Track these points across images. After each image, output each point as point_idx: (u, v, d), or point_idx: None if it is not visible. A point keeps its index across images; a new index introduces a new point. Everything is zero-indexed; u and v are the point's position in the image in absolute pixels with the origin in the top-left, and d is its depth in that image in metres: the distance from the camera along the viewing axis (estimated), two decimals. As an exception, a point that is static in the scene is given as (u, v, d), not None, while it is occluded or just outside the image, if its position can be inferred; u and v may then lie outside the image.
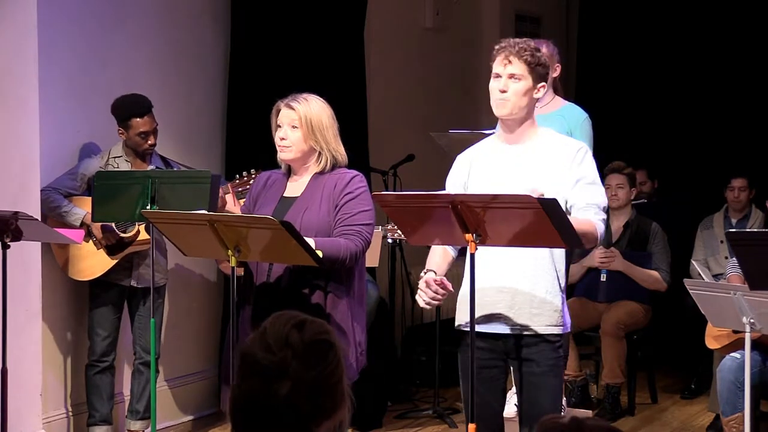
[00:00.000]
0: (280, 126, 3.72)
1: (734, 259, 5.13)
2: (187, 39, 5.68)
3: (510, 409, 4.45)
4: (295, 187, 3.76)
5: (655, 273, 5.96)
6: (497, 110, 3.44)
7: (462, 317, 3.52)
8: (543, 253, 3.42)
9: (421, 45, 7.34)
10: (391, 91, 7.01)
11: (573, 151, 3.45)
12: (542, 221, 3.06)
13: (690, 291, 4.33)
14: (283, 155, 3.73)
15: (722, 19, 7.79)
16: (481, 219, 3.12)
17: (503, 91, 3.39)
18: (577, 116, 4.66)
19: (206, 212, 3.58)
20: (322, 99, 3.78)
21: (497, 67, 3.42)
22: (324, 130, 3.70)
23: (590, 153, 3.50)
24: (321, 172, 3.71)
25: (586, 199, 3.40)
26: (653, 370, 6.29)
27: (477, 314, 3.35)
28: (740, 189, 6.54)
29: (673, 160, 7.76)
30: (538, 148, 3.45)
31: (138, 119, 4.90)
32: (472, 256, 3.23)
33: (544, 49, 4.74)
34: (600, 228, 3.38)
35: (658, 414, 6.05)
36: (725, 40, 7.78)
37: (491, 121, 5.16)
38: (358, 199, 3.66)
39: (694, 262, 6.26)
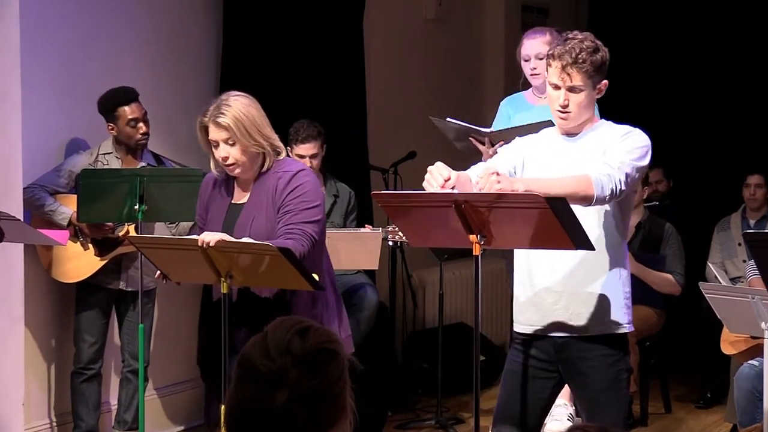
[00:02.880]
0: (215, 145, 3.69)
1: (753, 261, 5.13)
2: (177, 30, 5.68)
3: (554, 426, 4.41)
4: (242, 192, 3.78)
5: (668, 276, 5.95)
6: (559, 124, 3.43)
7: (521, 320, 3.52)
8: (598, 242, 3.33)
9: (423, 37, 7.34)
10: (391, 85, 7.00)
11: (621, 132, 3.41)
12: (550, 221, 3.05)
13: (705, 295, 4.32)
14: (235, 174, 3.73)
15: (737, 12, 7.78)
16: (486, 219, 3.12)
17: (564, 107, 3.36)
18: None
19: (197, 237, 3.56)
20: (241, 94, 3.73)
21: (554, 77, 3.36)
22: (260, 126, 3.68)
23: (641, 136, 3.40)
24: (264, 171, 3.72)
25: (606, 157, 3.31)
26: (667, 378, 6.28)
27: (532, 316, 3.44)
28: (756, 186, 6.53)
29: (685, 157, 7.74)
30: (589, 138, 3.43)
31: (125, 107, 4.89)
32: (477, 258, 3.23)
33: (548, 36, 4.76)
34: (601, 182, 3.19)
35: (673, 424, 6.04)
36: (739, 32, 7.77)
37: (495, 116, 5.18)
38: (302, 197, 3.64)
39: (710, 265, 6.25)
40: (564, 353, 3.45)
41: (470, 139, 4.65)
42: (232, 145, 3.66)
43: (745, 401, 4.88)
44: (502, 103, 5.05)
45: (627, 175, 3.26)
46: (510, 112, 4.91)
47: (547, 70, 3.41)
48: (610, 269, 3.43)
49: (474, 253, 3.21)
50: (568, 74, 3.32)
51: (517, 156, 3.49)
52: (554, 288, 3.42)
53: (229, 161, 3.68)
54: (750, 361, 4.95)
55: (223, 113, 3.65)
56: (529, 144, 3.54)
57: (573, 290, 3.41)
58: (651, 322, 5.95)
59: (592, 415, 3.45)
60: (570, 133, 3.45)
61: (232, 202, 3.78)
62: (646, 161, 3.37)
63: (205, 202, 3.87)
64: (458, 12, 7.60)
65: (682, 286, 5.96)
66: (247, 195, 3.74)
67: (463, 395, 6.20)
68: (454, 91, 7.53)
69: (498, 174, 3.11)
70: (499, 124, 4.98)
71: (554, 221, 3.04)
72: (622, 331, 3.45)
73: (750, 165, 6.67)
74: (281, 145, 3.77)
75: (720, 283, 5.50)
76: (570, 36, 3.37)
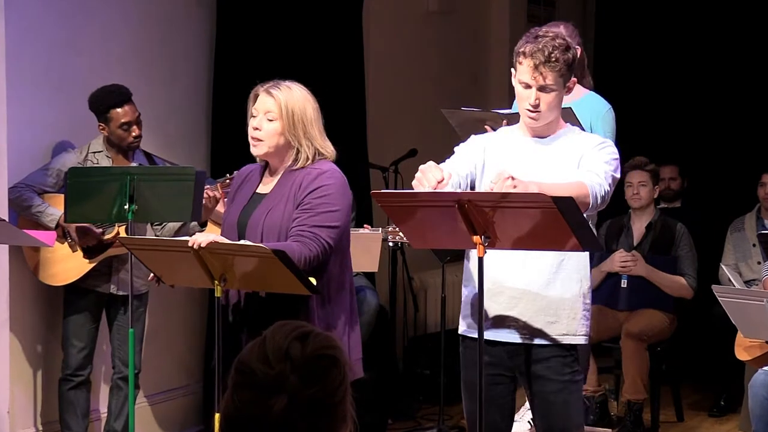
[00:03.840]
0: (255, 115, 3.69)
1: (768, 263, 5.14)
2: (169, 25, 5.68)
3: (523, 427, 4.46)
4: (268, 183, 3.75)
5: (680, 279, 5.96)
6: (528, 122, 3.46)
7: (465, 323, 3.54)
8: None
9: (425, 29, 7.34)
10: (391, 80, 7.01)
11: (594, 143, 3.48)
12: (557, 222, 3.06)
13: (719, 298, 4.33)
14: (254, 150, 3.69)
15: (753, 6, 7.77)
16: (491, 219, 3.13)
17: (535, 106, 3.39)
18: (599, 107, 4.69)
19: (189, 238, 3.56)
20: (305, 88, 3.73)
21: (525, 75, 3.38)
22: (308, 124, 3.64)
23: (613, 148, 3.49)
24: (296, 168, 3.67)
25: (587, 165, 3.39)
26: (679, 384, 6.29)
27: (485, 319, 3.39)
28: (773, 185, 6.54)
29: (698, 155, 7.74)
30: (561, 143, 3.47)
31: (118, 110, 4.90)
32: (480, 260, 3.23)
33: (562, 29, 4.76)
34: (594, 190, 3.30)
35: (684, 433, 6.06)
36: (754, 28, 7.76)
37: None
38: (325, 198, 3.58)
39: (723, 267, 6.26)
40: (517, 359, 3.49)
41: (486, 128, 4.65)
42: (271, 121, 3.64)
43: (759, 409, 4.88)
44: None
45: (609, 186, 3.37)
46: None
47: (515, 68, 3.43)
48: (573, 278, 3.47)
49: (478, 255, 3.22)
50: (541, 73, 3.36)
51: (477, 156, 3.51)
52: (512, 293, 3.45)
53: (258, 134, 3.64)
54: (765, 368, 4.96)
55: (279, 89, 3.65)
56: (490, 144, 3.55)
57: (532, 297, 3.44)
58: (662, 326, 5.96)
59: (551, 418, 3.49)
60: (539, 135, 3.49)
61: (256, 191, 3.76)
62: (619, 174, 3.48)
63: (233, 193, 3.85)
64: (462, 4, 7.60)
65: (694, 289, 5.97)
66: (272, 186, 3.71)
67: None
68: (457, 86, 7.54)
69: (513, 178, 3.11)
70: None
71: (561, 221, 3.06)
72: (577, 342, 3.49)
73: (765, 163, 6.67)
74: (330, 153, 3.70)
75: (734, 285, 5.51)
76: (540, 33, 3.40)
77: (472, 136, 3.63)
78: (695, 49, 8.01)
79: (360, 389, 3.77)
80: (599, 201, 3.33)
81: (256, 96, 3.69)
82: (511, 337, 3.47)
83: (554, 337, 3.45)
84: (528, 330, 3.45)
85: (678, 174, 7.21)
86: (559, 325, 3.45)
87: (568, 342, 3.47)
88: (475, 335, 3.46)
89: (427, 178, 3.18)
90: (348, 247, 3.75)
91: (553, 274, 3.44)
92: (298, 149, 3.65)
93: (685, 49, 8.06)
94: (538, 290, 3.44)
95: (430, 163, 3.23)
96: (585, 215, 3.29)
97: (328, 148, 3.70)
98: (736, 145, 7.71)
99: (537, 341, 3.45)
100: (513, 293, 3.45)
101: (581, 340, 3.49)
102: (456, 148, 3.59)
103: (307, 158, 3.65)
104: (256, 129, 3.66)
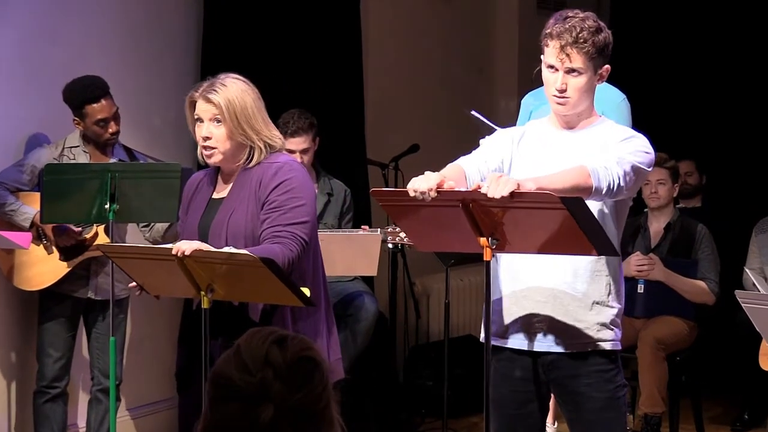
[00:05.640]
0: (200, 121, 3.72)
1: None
2: (152, 10, 5.68)
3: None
4: (224, 186, 3.80)
5: (701, 283, 5.95)
6: (555, 109, 3.44)
7: (499, 333, 3.49)
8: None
9: (427, 16, 7.34)
10: (391, 71, 7.00)
11: (622, 135, 3.43)
12: (568, 224, 3.05)
13: (742, 304, 4.32)
14: (209, 161, 3.74)
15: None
16: (498, 221, 3.11)
17: (562, 90, 3.37)
18: (613, 97, 4.70)
19: (172, 246, 3.55)
20: (241, 78, 3.76)
21: (551, 57, 3.37)
22: (251, 118, 3.68)
23: (644, 141, 3.42)
24: (251, 167, 3.71)
25: (603, 154, 3.31)
26: (699, 397, 6.27)
27: (515, 328, 3.42)
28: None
29: (720, 151, 7.73)
30: (587, 134, 3.44)
31: (94, 105, 4.89)
32: (488, 264, 3.22)
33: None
34: (596, 173, 3.20)
35: (705, 449, 6.05)
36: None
37: (508, 106, 5.18)
38: (290, 192, 3.64)
39: (747, 271, 6.25)
40: (554, 373, 3.47)
41: None
42: (218, 124, 3.67)
43: (786, 423, 4.88)
44: (525, 96, 5.05)
45: (625, 172, 3.27)
46: (533, 103, 4.90)
47: (543, 51, 3.42)
48: (604, 279, 3.44)
49: (485, 258, 3.20)
50: (567, 55, 3.33)
51: (505, 149, 3.48)
52: (539, 296, 3.42)
53: (210, 143, 3.69)
54: (792, 379, 4.96)
55: (215, 90, 3.68)
56: (521, 137, 3.52)
57: (560, 298, 3.41)
58: (682, 334, 5.95)
59: None
60: (566, 126, 3.46)
61: (213, 196, 3.79)
62: (647, 166, 3.39)
63: (187, 203, 3.87)
64: (466, -11, 7.62)
65: (716, 295, 5.96)
66: (229, 188, 3.74)
67: (471, 416, 6.20)
68: (461, 77, 7.54)
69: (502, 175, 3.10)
70: (522, 120, 4.98)
71: (572, 223, 3.04)
72: (611, 347, 3.47)
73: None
74: (278, 141, 3.75)
75: (759, 291, 5.50)
76: (570, 15, 3.37)
77: (499, 130, 3.61)
78: (713, 36, 8.00)
79: (358, 400, 3.77)
80: (604, 185, 3.21)
81: (193, 102, 3.74)
82: (542, 345, 3.44)
83: (588, 343, 3.42)
84: (560, 336, 3.42)
85: (695, 168, 7.21)
86: (593, 330, 3.42)
87: (604, 348, 3.44)
88: (507, 345, 3.47)
89: (420, 186, 3.11)
90: (317, 243, 3.80)
91: (583, 275, 3.41)
92: (251, 147, 3.70)
93: (702, 37, 8.05)
94: (567, 291, 3.41)
95: (427, 173, 3.16)
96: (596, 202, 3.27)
97: (276, 138, 3.75)
98: (760, 140, 7.70)
99: (571, 350, 3.42)
100: (540, 296, 3.42)
101: (617, 345, 3.47)
102: (482, 141, 3.58)
103: (261, 152, 3.70)
104: (207, 138, 3.70)
